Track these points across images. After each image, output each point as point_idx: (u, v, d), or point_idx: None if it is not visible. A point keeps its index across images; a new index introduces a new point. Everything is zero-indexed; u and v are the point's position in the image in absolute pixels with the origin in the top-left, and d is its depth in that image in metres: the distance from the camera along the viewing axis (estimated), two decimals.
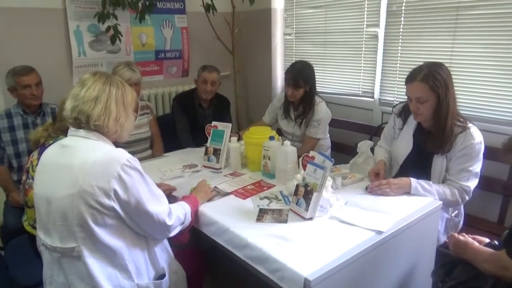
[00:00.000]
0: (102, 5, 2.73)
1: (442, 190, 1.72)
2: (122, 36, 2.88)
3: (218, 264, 2.10)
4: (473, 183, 1.76)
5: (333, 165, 2.06)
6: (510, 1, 2.06)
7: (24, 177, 1.79)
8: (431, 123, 1.79)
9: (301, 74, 2.40)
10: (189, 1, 3.40)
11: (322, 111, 2.47)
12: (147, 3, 2.83)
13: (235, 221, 1.50)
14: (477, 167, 1.74)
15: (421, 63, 1.78)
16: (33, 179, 1.73)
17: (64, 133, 1.64)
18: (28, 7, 2.69)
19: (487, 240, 1.47)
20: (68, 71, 2.93)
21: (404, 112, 1.96)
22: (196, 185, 1.76)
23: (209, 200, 1.70)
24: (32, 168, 1.76)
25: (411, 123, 1.92)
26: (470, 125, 1.75)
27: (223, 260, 1.77)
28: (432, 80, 1.67)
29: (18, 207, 2.14)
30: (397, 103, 2.11)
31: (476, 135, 1.72)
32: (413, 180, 1.71)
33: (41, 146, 1.78)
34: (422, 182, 1.72)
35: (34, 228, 1.79)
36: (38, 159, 1.74)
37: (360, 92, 2.98)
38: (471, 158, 1.72)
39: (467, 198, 1.76)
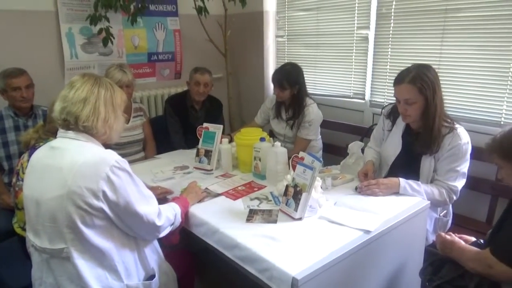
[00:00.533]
0: (94, 7, 2.73)
1: (430, 190, 1.74)
2: (114, 38, 2.88)
3: (209, 266, 2.10)
4: (460, 183, 1.78)
5: (324, 166, 2.09)
6: (496, 4, 2.10)
7: (14, 179, 1.79)
8: (419, 124, 1.82)
9: (286, 76, 2.44)
10: (181, 3, 3.41)
11: (313, 113, 2.49)
12: (139, 5, 2.84)
13: (225, 222, 1.51)
14: (464, 167, 1.77)
15: (410, 65, 1.81)
16: (23, 181, 1.74)
17: (55, 134, 1.64)
18: (20, 9, 2.69)
19: (473, 239, 1.50)
20: (60, 73, 2.93)
21: (393, 113, 1.98)
22: (187, 186, 1.76)
23: (199, 201, 1.70)
24: (22, 170, 1.75)
25: (400, 124, 1.94)
26: (457, 125, 1.77)
27: (213, 262, 1.77)
28: (420, 82, 1.70)
29: (8, 209, 2.13)
30: (386, 104, 2.13)
31: (463, 136, 1.74)
32: (402, 180, 1.73)
33: (31, 148, 1.78)
34: (411, 182, 1.74)
35: (24, 230, 1.77)
36: (28, 161, 1.74)
37: (351, 93, 3.01)
38: (458, 158, 1.75)
39: (454, 197, 1.78)
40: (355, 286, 1.41)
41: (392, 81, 1.81)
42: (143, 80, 3.35)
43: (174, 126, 2.84)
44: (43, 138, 1.78)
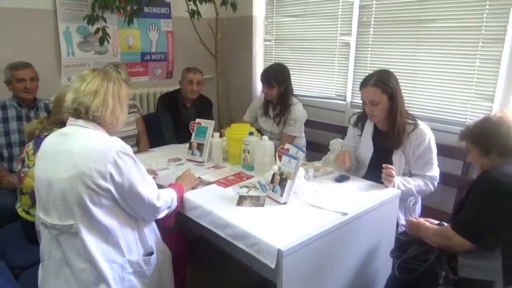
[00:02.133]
0: (91, 7, 2.85)
1: (418, 183, 1.95)
2: (110, 38, 3.01)
3: (201, 254, 2.24)
4: (437, 171, 2.01)
5: (307, 162, 2.27)
6: (463, 16, 2.32)
7: (19, 166, 1.90)
8: (385, 124, 2.03)
9: (274, 75, 2.62)
10: (175, 6, 3.56)
11: (299, 111, 2.68)
12: (135, 7, 2.97)
13: (217, 205, 1.67)
14: (434, 157, 1.99)
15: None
16: (28, 167, 1.87)
17: (58, 125, 1.79)
18: (20, 7, 2.80)
19: (437, 222, 1.70)
20: (56, 70, 3.04)
21: (360, 120, 2.19)
22: (181, 174, 1.91)
23: (193, 188, 1.85)
24: (28, 157, 1.87)
25: (368, 128, 2.15)
26: (419, 122, 2.00)
27: (206, 250, 1.89)
28: (382, 84, 1.92)
29: (11, 191, 2.23)
30: (352, 115, 2.31)
31: (426, 131, 1.97)
32: (396, 179, 1.88)
33: (36, 138, 1.90)
34: (402, 179, 1.92)
35: (28, 213, 1.90)
36: (34, 149, 1.88)
37: (334, 95, 3.20)
38: (428, 151, 1.97)
39: (436, 184, 2.00)
40: (332, 260, 1.58)
41: None
42: (136, 78, 3.47)
43: (166, 123, 2.97)
44: (47, 128, 1.90)
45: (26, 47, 2.84)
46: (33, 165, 1.78)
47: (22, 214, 1.93)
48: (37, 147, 1.82)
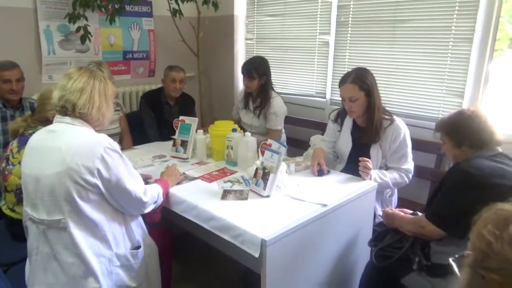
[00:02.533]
0: (72, 6, 2.84)
1: (393, 176, 2.05)
2: (91, 36, 3.01)
3: (187, 250, 2.28)
4: (411, 164, 2.11)
5: (288, 157, 2.34)
6: (435, 17, 2.44)
7: (3, 164, 1.90)
8: (363, 119, 2.12)
9: (255, 67, 2.69)
10: (156, 5, 3.58)
11: (278, 105, 2.76)
12: (117, 6, 2.98)
13: (202, 200, 1.72)
14: (409, 150, 2.10)
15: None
16: (13, 165, 1.88)
17: (43, 123, 1.80)
18: None
19: (411, 211, 1.80)
20: (37, 69, 3.02)
21: (340, 116, 2.29)
22: (166, 169, 1.95)
23: (178, 183, 1.90)
24: (12, 155, 1.88)
25: (347, 124, 2.24)
26: (395, 117, 2.10)
27: (191, 247, 1.92)
28: (359, 82, 2.01)
29: None
30: (331, 111, 2.39)
31: (402, 126, 2.07)
32: (373, 172, 1.98)
33: (20, 136, 1.91)
34: (379, 172, 2.02)
35: (13, 211, 1.91)
36: (18, 147, 1.89)
37: (314, 92, 3.29)
38: (404, 145, 2.07)
39: (410, 176, 2.10)
40: (314, 249, 1.66)
41: None
42: (118, 77, 3.46)
43: (149, 121, 2.99)
44: (31, 126, 1.91)
45: (6, 46, 2.81)
46: (18, 163, 1.81)
47: (7, 211, 1.93)
48: (21, 145, 1.84)
